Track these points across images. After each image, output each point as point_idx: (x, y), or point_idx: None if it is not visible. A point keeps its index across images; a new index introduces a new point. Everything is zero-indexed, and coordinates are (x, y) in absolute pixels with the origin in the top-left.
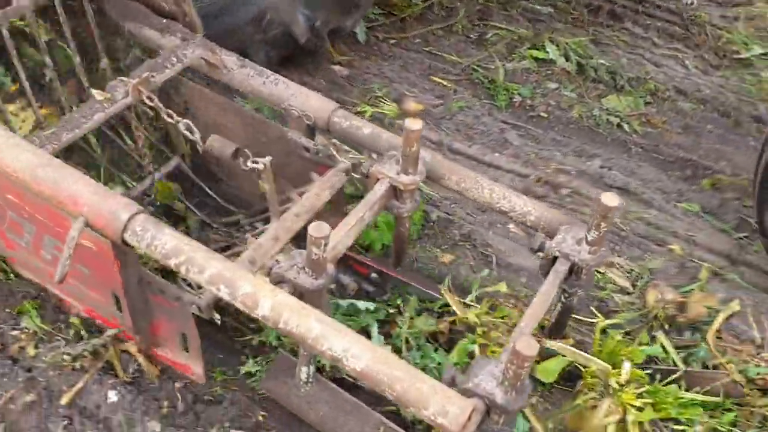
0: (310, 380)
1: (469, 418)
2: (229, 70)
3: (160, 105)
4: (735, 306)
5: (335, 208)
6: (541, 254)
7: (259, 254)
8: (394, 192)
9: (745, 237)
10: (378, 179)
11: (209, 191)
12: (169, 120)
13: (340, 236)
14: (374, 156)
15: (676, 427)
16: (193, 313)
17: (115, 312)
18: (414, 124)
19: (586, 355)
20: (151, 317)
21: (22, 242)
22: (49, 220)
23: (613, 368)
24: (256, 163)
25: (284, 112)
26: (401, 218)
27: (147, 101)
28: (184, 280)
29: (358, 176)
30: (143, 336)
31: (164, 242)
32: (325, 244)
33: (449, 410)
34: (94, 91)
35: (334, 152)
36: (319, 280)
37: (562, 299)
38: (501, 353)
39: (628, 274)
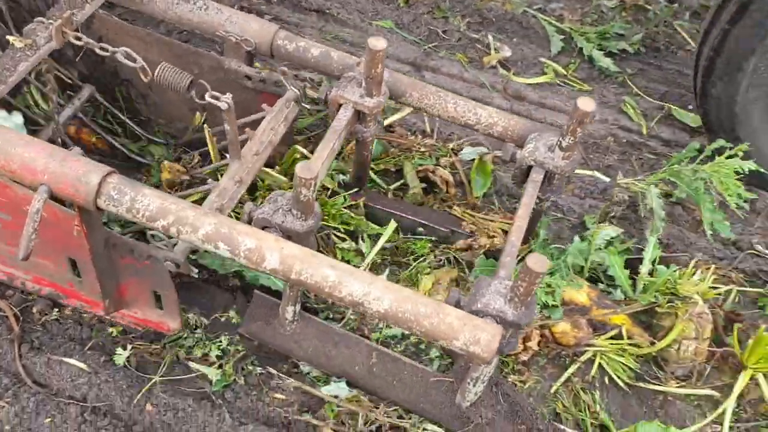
0: (296, 318)
1: None
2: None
3: (92, 41)
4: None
5: (283, 140)
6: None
7: (226, 199)
8: (357, 116)
9: (433, 46)
10: (340, 105)
11: (133, 125)
12: (104, 53)
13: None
14: (324, 79)
15: None
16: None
17: (72, 278)
18: (378, 43)
19: None
20: (118, 280)
21: None
22: None
23: None
24: (217, 99)
25: (219, 39)
26: (365, 142)
27: (74, 41)
28: (152, 235)
29: (307, 105)
30: (110, 299)
31: (147, 204)
32: (315, 185)
33: (480, 337)
34: (11, 38)
35: (282, 79)
36: (309, 221)
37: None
38: (498, 269)
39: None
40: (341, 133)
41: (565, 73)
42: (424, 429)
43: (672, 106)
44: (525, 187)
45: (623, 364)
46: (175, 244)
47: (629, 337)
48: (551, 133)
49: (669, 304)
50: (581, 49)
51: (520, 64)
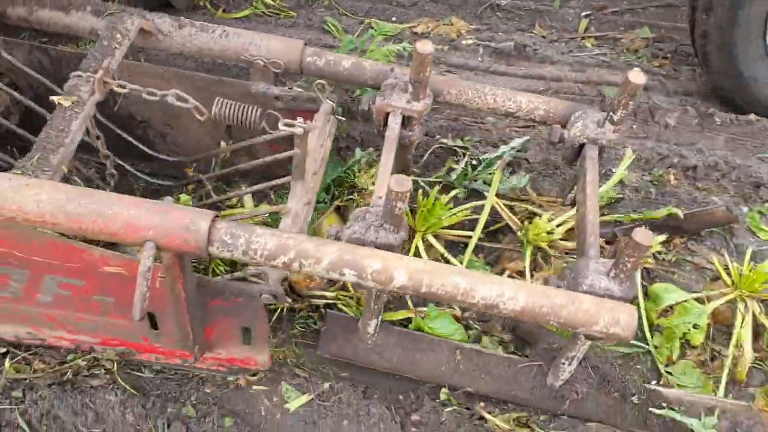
0: (377, 331)
1: None
2: (165, 35)
3: (138, 87)
4: None
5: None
6: (562, 145)
7: (300, 222)
8: (403, 121)
9: None
10: (388, 113)
11: (148, 150)
12: (153, 98)
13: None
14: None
15: None
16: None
17: (149, 332)
18: (425, 47)
19: None
20: (204, 323)
21: (5, 293)
22: (55, 259)
23: None
24: (293, 126)
25: (245, 64)
26: (409, 146)
27: (119, 89)
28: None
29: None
30: (199, 345)
31: (264, 243)
32: (408, 198)
33: (620, 318)
34: (57, 99)
35: (319, 94)
36: (401, 233)
37: None
38: (585, 249)
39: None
40: (394, 141)
41: (273, 3)
42: None
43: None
44: (581, 165)
45: None
46: (257, 274)
47: None
48: (593, 110)
49: None
50: None
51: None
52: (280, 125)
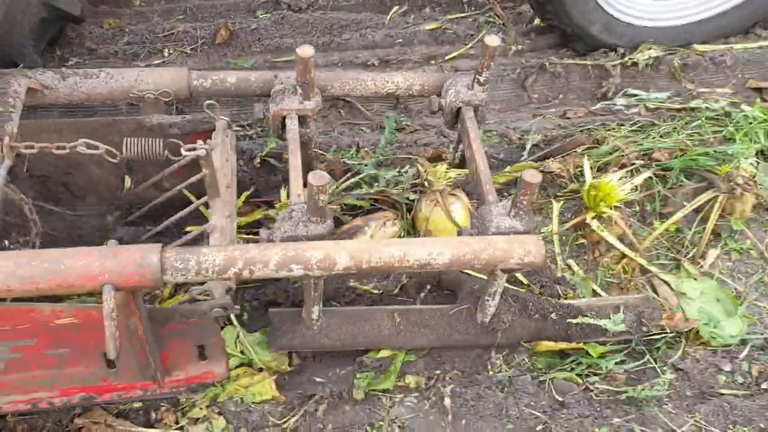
0: (321, 315)
1: None
2: (51, 89)
3: (47, 144)
4: None
5: None
6: (441, 112)
7: (228, 235)
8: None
9: None
10: (284, 117)
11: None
12: (63, 151)
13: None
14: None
15: None
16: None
17: (106, 373)
18: (306, 52)
19: None
20: (161, 349)
21: None
22: (2, 326)
23: None
24: (194, 149)
25: (135, 101)
26: (309, 143)
27: (27, 151)
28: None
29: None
30: (160, 372)
31: (213, 260)
32: (326, 188)
33: (530, 249)
34: None
35: (211, 113)
36: (327, 222)
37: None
38: (485, 196)
39: None
40: (297, 141)
41: None
42: None
43: None
44: (462, 126)
45: None
46: (202, 292)
47: None
48: (460, 75)
49: None
50: None
51: None
52: (183, 151)
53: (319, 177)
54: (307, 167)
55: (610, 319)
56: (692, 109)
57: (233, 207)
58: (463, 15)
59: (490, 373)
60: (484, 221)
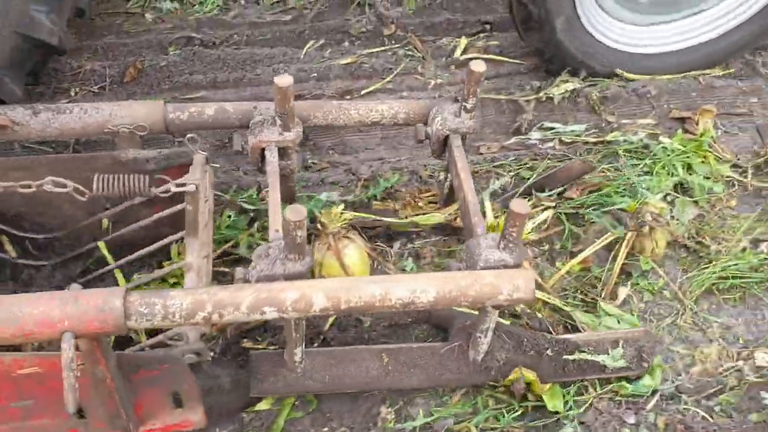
0: (304, 357)
1: None
2: (22, 125)
3: (11, 183)
4: None
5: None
6: (428, 141)
7: (204, 276)
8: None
9: None
10: (263, 149)
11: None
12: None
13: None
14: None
15: None
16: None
17: (76, 424)
18: (284, 81)
19: None
20: (133, 397)
21: None
22: None
23: None
24: (183, 185)
25: (110, 136)
26: (290, 175)
27: None
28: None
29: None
30: (133, 423)
31: (180, 304)
32: (305, 223)
33: (519, 284)
34: None
35: (191, 147)
36: (306, 259)
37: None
38: (473, 228)
39: None
40: (278, 173)
41: None
42: None
43: None
44: (450, 155)
45: None
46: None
47: None
48: (447, 102)
49: None
50: None
51: None
52: (171, 188)
53: (296, 212)
54: (290, 202)
55: (608, 354)
56: (609, 142)
57: (210, 247)
58: (382, 48)
59: (381, 428)
60: (473, 255)
